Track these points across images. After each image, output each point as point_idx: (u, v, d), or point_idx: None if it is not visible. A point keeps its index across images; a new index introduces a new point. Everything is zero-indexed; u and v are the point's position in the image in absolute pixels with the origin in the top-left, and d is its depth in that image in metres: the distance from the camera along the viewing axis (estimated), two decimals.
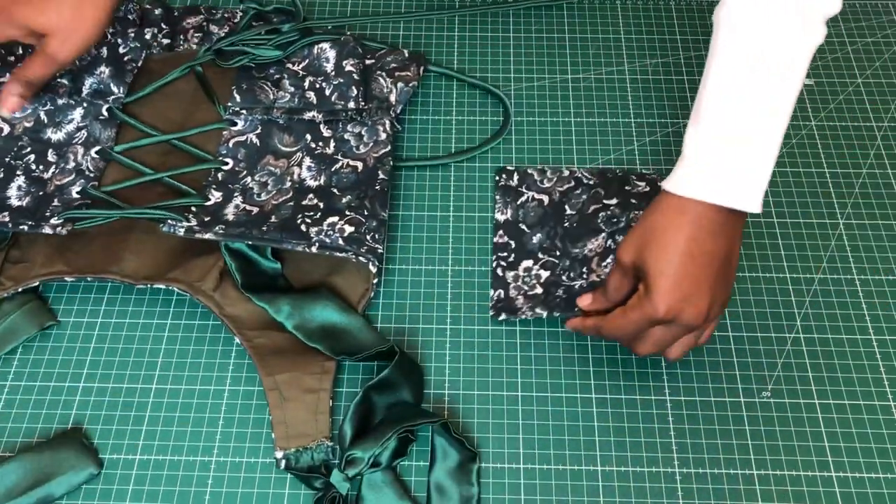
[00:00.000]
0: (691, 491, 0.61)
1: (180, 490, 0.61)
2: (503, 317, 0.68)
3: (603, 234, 0.71)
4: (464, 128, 0.80)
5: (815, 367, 0.66)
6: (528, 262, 0.71)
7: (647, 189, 0.74)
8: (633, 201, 0.73)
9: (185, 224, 0.67)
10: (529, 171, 0.76)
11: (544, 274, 0.70)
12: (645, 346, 0.62)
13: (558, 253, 0.71)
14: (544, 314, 0.67)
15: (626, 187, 0.74)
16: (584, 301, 0.65)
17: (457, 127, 0.80)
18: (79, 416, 0.64)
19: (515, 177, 0.76)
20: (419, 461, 0.62)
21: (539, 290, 0.69)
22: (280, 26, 0.81)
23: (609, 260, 0.69)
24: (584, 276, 0.69)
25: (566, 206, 0.73)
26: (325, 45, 0.80)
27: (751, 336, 0.68)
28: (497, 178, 0.76)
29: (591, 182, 0.75)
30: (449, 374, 0.66)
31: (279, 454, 0.61)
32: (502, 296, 0.69)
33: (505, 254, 0.71)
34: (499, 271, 0.70)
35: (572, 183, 0.75)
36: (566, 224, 0.72)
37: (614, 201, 0.73)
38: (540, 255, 0.71)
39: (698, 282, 0.58)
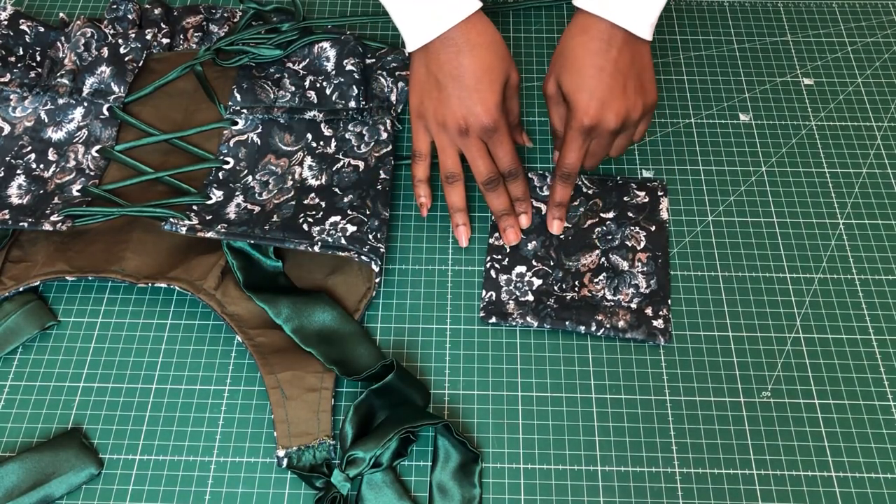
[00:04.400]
0: (691, 491, 0.61)
1: (180, 490, 0.61)
2: (493, 320, 0.68)
3: (597, 252, 0.71)
4: None
5: (815, 367, 0.66)
6: (521, 268, 0.71)
7: (647, 199, 0.74)
8: (630, 214, 0.73)
9: (186, 223, 0.67)
10: (531, 175, 0.76)
11: (537, 282, 0.70)
12: (591, 160, 0.71)
13: (552, 263, 0.71)
14: (534, 324, 0.68)
15: (625, 198, 0.74)
16: (556, 155, 0.74)
17: None
18: (79, 416, 0.64)
19: None
20: (419, 461, 0.62)
21: (530, 297, 0.69)
22: (280, 25, 0.81)
23: (602, 277, 0.70)
24: (576, 289, 0.69)
25: None
26: (326, 45, 0.80)
27: (751, 336, 0.68)
28: None
29: (590, 192, 0.75)
30: (449, 374, 0.66)
31: (280, 452, 0.61)
32: (493, 298, 0.69)
33: (499, 256, 0.71)
34: (492, 273, 0.70)
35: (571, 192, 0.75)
36: (561, 236, 0.72)
37: (611, 215, 0.73)
38: (534, 263, 0.71)
39: (611, 89, 0.66)
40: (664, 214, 0.73)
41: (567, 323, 0.67)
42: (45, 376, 0.66)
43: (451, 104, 0.67)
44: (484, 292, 0.70)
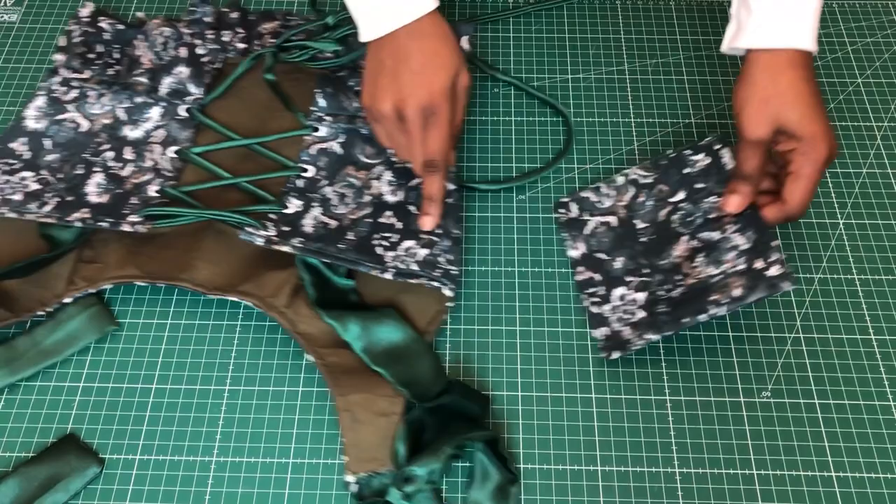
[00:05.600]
0: (691, 491, 0.61)
1: (180, 490, 0.61)
2: (616, 355, 0.65)
3: (685, 238, 0.68)
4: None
5: (815, 367, 0.66)
6: (620, 290, 0.68)
7: (708, 161, 0.70)
8: (698, 186, 0.69)
9: (263, 233, 0.66)
10: (584, 194, 0.73)
11: (640, 297, 0.67)
12: (808, 194, 0.66)
13: (647, 271, 0.68)
14: (656, 338, 0.64)
15: (686, 170, 0.71)
16: (733, 204, 0.66)
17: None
18: (79, 416, 0.64)
19: (574, 207, 0.73)
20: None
21: (642, 314, 0.66)
22: (330, 22, 0.80)
23: (700, 257, 0.66)
24: (681, 281, 0.66)
25: (636, 221, 0.71)
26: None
27: (751, 336, 0.68)
28: (556, 214, 0.73)
29: (650, 180, 0.72)
30: (449, 374, 0.66)
31: (350, 478, 0.60)
32: (608, 333, 0.66)
33: (593, 289, 0.68)
34: (593, 309, 0.68)
35: (632, 191, 0.72)
36: (643, 240, 0.70)
37: (680, 196, 0.70)
38: (628, 279, 0.68)
39: (826, 116, 0.66)
40: (731, 163, 0.69)
41: (686, 320, 0.63)
42: (46, 376, 0.66)
43: (393, 87, 0.66)
44: (595, 332, 0.66)
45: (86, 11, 0.81)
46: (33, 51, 0.86)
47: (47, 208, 0.69)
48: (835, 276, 0.71)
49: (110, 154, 0.73)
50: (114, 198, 0.70)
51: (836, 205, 0.75)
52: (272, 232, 0.67)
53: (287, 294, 0.67)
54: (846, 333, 0.68)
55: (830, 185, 0.76)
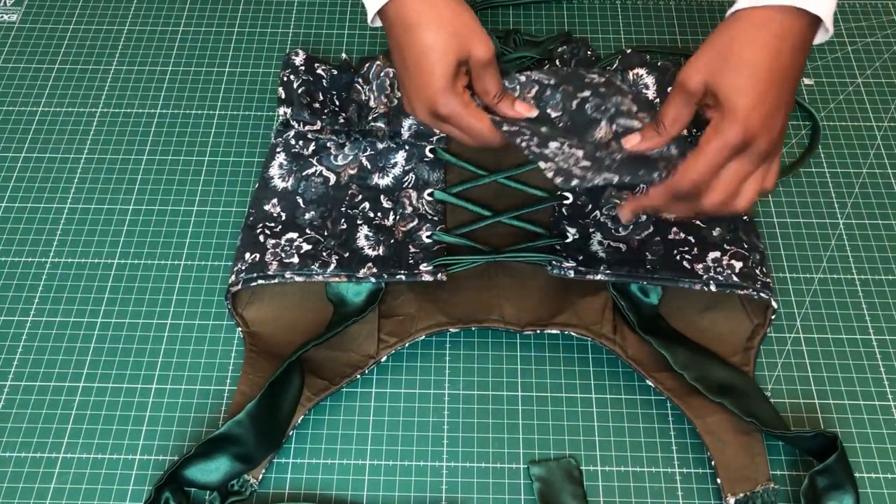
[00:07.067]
0: (691, 491, 0.61)
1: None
2: (558, 180, 0.58)
3: (604, 122, 0.63)
4: None
5: (815, 367, 0.66)
6: (554, 143, 0.61)
7: (608, 77, 0.66)
8: (602, 90, 0.65)
9: (571, 264, 0.65)
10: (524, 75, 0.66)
11: (579, 152, 0.60)
12: (715, 193, 0.56)
13: (577, 142, 0.62)
14: (611, 178, 0.58)
15: (588, 77, 0.66)
16: (633, 140, 0.60)
17: None
18: (79, 416, 0.64)
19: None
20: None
21: (586, 162, 0.59)
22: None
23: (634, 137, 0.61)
24: (616, 151, 0.60)
25: (549, 111, 0.65)
26: (641, 71, 0.77)
27: None
28: None
29: (552, 82, 0.66)
30: (449, 374, 0.66)
31: (731, 500, 0.59)
32: (553, 168, 0.59)
33: (526, 138, 0.62)
34: (535, 149, 0.61)
35: (536, 87, 0.66)
36: (561, 125, 0.64)
37: (587, 94, 0.64)
38: (561, 140, 0.61)
39: (778, 102, 0.55)
40: (651, 93, 0.66)
41: (641, 172, 0.58)
42: (46, 376, 0.66)
43: (403, 95, 0.63)
44: (542, 164, 0.59)
45: (299, 59, 0.77)
46: (33, 51, 0.86)
47: (332, 268, 0.66)
48: (835, 276, 0.71)
49: (367, 205, 0.71)
50: (390, 249, 0.68)
51: (836, 205, 0.75)
52: (572, 263, 0.66)
53: (610, 320, 0.66)
54: (846, 333, 0.68)
55: (831, 184, 0.76)
